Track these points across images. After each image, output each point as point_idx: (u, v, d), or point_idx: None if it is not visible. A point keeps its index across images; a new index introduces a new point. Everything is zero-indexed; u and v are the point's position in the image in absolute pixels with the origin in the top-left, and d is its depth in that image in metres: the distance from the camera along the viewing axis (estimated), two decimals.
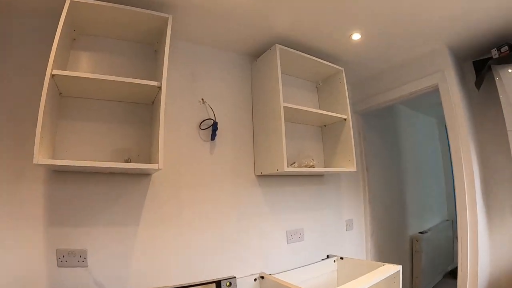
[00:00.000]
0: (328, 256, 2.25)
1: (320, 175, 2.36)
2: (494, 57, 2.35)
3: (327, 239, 2.33)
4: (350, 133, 2.19)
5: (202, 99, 1.76)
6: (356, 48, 2.29)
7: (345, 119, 2.22)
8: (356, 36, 2.09)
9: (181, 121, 1.67)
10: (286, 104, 1.78)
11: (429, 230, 4.05)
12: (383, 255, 3.03)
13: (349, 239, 2.57)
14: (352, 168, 2.14)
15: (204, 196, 1.68)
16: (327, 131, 2.39)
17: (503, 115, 2.42)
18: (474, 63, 2.57)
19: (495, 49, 2.34)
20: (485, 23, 2.12)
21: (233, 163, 1.85)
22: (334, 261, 2.18)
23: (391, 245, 3.30)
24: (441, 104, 2.46)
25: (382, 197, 3.22)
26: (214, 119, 1.74)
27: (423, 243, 3.71)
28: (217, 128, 1.72)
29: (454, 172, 2.40)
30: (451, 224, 5.06)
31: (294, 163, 2.02)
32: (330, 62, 2.22)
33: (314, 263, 2.06)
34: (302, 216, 2.17)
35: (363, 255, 2.72)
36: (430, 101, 4.01)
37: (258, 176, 1.95)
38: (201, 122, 1.73)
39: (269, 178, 1.99)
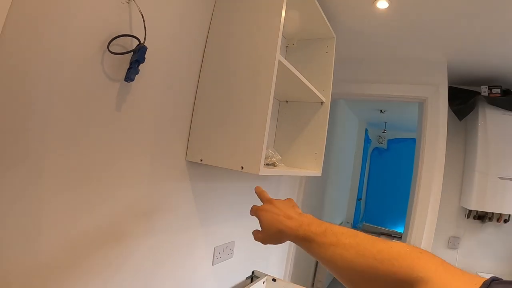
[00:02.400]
0: (253, 273, 1.69)
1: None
2: (482, 94, 2.38)
3: (255, 252, 1.75)
4: (325, 123, 1.59)
5: None
6: (371, 16, 1.76)
7: (321, 103, 1.62)
8: (382, 4, 1.60)
9: (67, 28, 0.71)
10: (283, 60, 1.05)
11: None
12: (299, 268, 2.68)
13: (275, 250, 2.06)
14: (317, 171, 1.57)
15: (95, 194, 0.81)
16: (288, 110, 1.74)
17: (471, 152, 2.56)
18: (453, 89, 2.48)
19: (486, 87, 2.38)
20: (486, 58, 2.11)
21: (156, 133, 0.99)
22: (264, 282, 1.61)
23: (306, 255, 2.94)
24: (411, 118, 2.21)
25: (310, 198, 2.82)
26: (141, 40, 0.84)
27: None
28: (144, 59, 0.82)
29: (417, 191, 2.25)
30: (350, 227, 5.15)
31: None
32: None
33: None
34: (235, 225, 1.51)
35: (283, 266, 2.25)
36: (361, 102, 3.92)
37: (192, 163, 1.14)
38: (113, 40, 0.79)
39: (204, 168, 1.21)
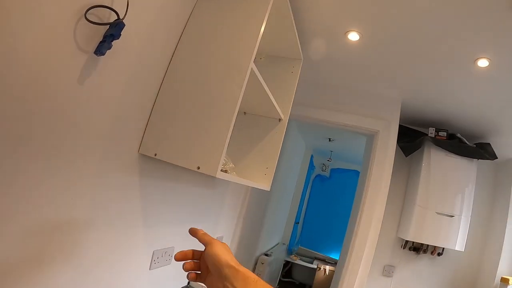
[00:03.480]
0: (188, 283, 1.64)
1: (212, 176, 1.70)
2: (429, 135, 2.63)
3: None
4: (280, 140, 1.63)
5: None
6: (340, 46, 1.89)
7: (279, 120, 1.66)
8: (353, 36, 1.72)
9: None
10: (255, 69, 1.06)
11: (272, 252, 3.94)
12: None
13: None
14: (266, 185, 1.59)
15: (36, 168, 0.71)
16: (245, 122, 1.75)
17: (413, 187, 2.80)
18: (403, 127, 2.69)
19: (434, 129, 2.65)
20: (438, 104, 2.36)
21: (113, 117, 0.93)
22: None
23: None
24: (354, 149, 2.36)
25: (252, 213, 2.83)
26: (120, 16, 0.80)
27: (266, 266, 3.52)
28: (119, 35, 0.78)
29: (358, 220, 2.33)
30: (285, 248, 5.24)
31: None
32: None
33: None
34: (176, 230, 1.45)
35: None
36: (311, 128, 4.10)
37: (144, 156, 1.08)
38: (91, 8, 0.75)
39: (156, 164, 1.16)
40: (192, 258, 0.64)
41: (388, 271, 2.89)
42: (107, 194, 0.97)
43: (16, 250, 0.71)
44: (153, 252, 1.30)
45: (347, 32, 1.71)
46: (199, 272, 0.63)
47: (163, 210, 1.30)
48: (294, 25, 1.48)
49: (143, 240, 1.21)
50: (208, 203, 1.73)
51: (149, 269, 1.29)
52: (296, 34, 1.54)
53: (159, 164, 1.17)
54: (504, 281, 2.49)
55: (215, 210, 1.87)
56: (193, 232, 0.65)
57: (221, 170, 1.29)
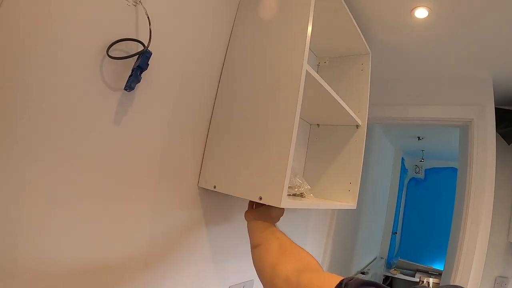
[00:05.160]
0: None
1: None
2: None
3: None
4: (361, 149, 1.40)
5: None
6: (409, 28, 1.58)
7: (357, 126, 1.43)
8: (421, 13, 1.41)
9: (64, 30, 0.60)
10: (311, 71, 0.89)
11: (369, 269, 3.59)
12: None
13: None
14: (352, 203, 1.36)
15: (86, 215, 0.66)
16: (320, 135, 1.57)
17: None
18: (499, 110, 2.20)
19: None
20: None
21: (162, 153, 0.84)
22: None
23: None
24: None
25: (342, 230, 2.58)
26: (146, 45, 0.72)
27: None
28: (147, 65, 0.70)
29: (463, 226, 1.96)
30: (384, 262, 4.79)
31: None
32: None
33: None
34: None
35: None
36: (397, 129, 3.69)
37: (204, 190, 0.98)
38: (114, 44, 0.68)
39: (218, 196, 1.05)
40: None
41: (500, 283, 2.35)
42: (171, 232, 0.88)
43: None
44: (229, 287, 1.17)
45: (413, 9, 1.42)
46: None
47: (234, 242, 1.18)
48: (351, 15, 1.26)
49: (216, 276, 1.10)
50: (289, 227, 1.56)
51: None
52: (356, 25, 1.32)
53: (221, 196, 1.06)
54: None
55: (300, 233, 1.70)
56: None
57: (296, 194, 1.13)
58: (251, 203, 0.92)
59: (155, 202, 0.83)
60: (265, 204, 0.80)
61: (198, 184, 0.95)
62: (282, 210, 0.84)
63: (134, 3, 0.75)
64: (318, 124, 1.58)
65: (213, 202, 1.03)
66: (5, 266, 0.54)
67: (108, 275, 0.73)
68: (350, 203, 1.36)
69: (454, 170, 4.88)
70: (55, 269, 0.62)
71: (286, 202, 0.76)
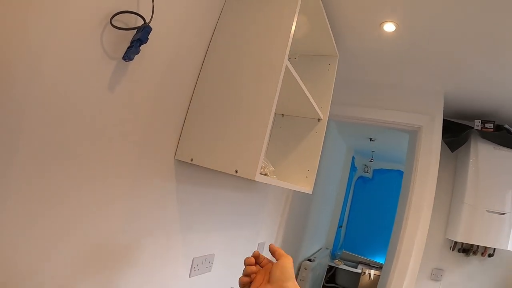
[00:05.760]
0: None
1: (252, 180, 1.65)
2: (475, 127, 2.43)
3: (236, 267, 1.66)
4: (320, 141, 1.55)
5: None
6: (377, 39, 1.78)
7: (319, 120, 1.58)
8: (389, 27, 1.62)
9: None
10: (290, 66, 1.00)
11: (315, 258, 3.83)
12: None
13: None
14: (308, 188, 1.51)
15: (74, 175, 0.71)
16: (283, 124, 1.69)
17: (461, 184, 2.57)
18: (446, 121, 2.51)
19: (480, 121, 2.44)
20: (482, 94, 2.17)
21: (147, 123, 0.91)
22: None
23: None
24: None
25: (293, 217, 2.75)
26: (147, 20, 0.79)
27: (309, 271, 3.41)
28: (147, 39, 0.76)
29: (405, 222, 2.21)
30: (329, 252, 5.10)
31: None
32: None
33: None
34: (216, 236, 1.42)
35: None
36: (351, 128, 3.95)
37: (181, 162, 1.06)
38: (117, 14, 0.73)
39: (193, 169, 1.14)
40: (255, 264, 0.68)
41: (436, 274, 2.69)
42: (144, 201, 0.95)
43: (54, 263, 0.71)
44: (193, 259, 1.27)
45: (382, 23, 1.60)
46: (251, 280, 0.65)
47: (202, 217, 1.27)
48: (327, 20, 1.40)
49: (182, 248, 1.18)
50: (248, 209, 1.68)
51: (189, 277, 1.26)
52: (330, 29, 1.47)
53: (196, 169, 1.15)
54: None
55: (256, 215, 1.82)
56: (272, 248, 0.68)
57: (261, 173, 1.24)
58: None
59: (136, 168, 0.90)
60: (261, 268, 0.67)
61: (175, 157, 1.03)
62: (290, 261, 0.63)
63: None
64: (282, 114, 1.71)
65: (187, 175, 1.12)
66: None
67: (91, 243, 0.79)
68: (307, 188, 1.50)
69: (400, 173, 5.30)
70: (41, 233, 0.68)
71: (259, 177, 0.87)
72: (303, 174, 1.54)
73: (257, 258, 0.68)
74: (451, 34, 1.54)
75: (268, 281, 0.60)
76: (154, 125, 0.94)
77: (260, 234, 1.95)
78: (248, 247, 1.79)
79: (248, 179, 1.54)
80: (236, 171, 0.89)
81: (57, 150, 0.67)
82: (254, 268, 0.66)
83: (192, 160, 0.99)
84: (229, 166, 0.91)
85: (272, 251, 0.67)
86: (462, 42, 1.59)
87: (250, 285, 0.64)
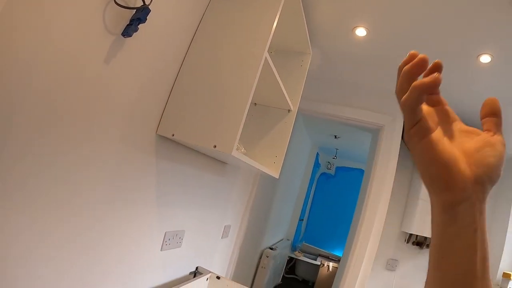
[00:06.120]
0: (197, 269, 1.68)
1: (223, 162, 1.76)
2: None
3: (202, 247, 1.75)
4: (289, 130, 1.67)
5: None
6: (348, 42, 1.93)
7: (289, 111, 1.70)
8: (361, 32, 1.76)
9: None
10: (269, 58, 1.11)
11: (276, 247, 3.98)
12: (240, 269, 2.69)
13: (220, 248, 2.07)
14: (275, 173, 1.63)
15: (61, 139, 0.76)
16: (255, 112, 1.80)
17: (417, 181, 2.86)
18: None
19: None
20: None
21: (135, 98, 0.97)
22: (207, 279, 1.61)
23: (247, 259, 2.98)
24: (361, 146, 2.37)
25: (258, 205, 2.88)
26: (147, 2, 0.85)
27: (271, 259, 3.56)
28: (145, 19, 0.85)
29: (363, 214, 2.37)
30: (290, 244, 5.27)
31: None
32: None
33: (184, 284, 1.41)
34: (187, 214, 1.50)
35: (225, 267, 2.26)
36: (318, 124, 4.13)
37: (162, 137, 1.13)
38: None
39: (172, 146, 1.22)
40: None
41: (391, 265, 2.93)
42: (125, 172, 1.02)
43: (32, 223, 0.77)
44: (165, 233, 1.34)
45: (354, 27, 1.75)
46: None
47: (176, 192, 1.35)
48: (305, 20, 1.52)
49: (156, 220, 1.26)
50: (218, 191, 1.77)
51: (160, 250, 1.34)
52: (306, 29, 1.59)
53: (176, 146, 1.22)
54: (506, 276, 2.51)
55: (224, 198, 1.92)
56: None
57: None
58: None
59: (119, 140, 0.97)
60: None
61: (157, 132, 1.10)
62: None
63: None
64: (255, 103, 1.81)
65: (167, 152, 1.19)
66: None
67: (75, 206, 0.85)
68: (274, 172, 1.62)
69: (362, 172, 5.55)
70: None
71: (235, 153, 0.97)
72: (272, 159, 1.65)
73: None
74: (415, 42, 1.72)
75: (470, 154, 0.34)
76: (141, 100, 1.01)
77: (226, 216, 2.05)
78: (215, 227, 1.88)
79: (220, 162, 1.64)
80: (215, 146, 0.98)
81: (48, 114, 0.73)
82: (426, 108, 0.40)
83: (173, 135, 1.07)
84: (208, 141, 1.00)
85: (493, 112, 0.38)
86: (424, 50, 1.75)
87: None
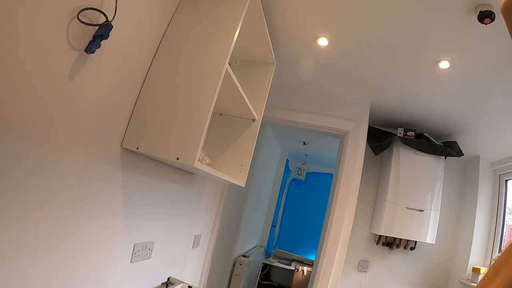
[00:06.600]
0: (169, 280, 1.69)
1: (190, 173, 1.79)
2: (398, 134, 2.82)
3: (173, 257, 1.76)
4: (253, 139, 1.73)
5: None
6: (311, 51, 2.03)
7: (253, 120, 1.76)
8: (323, 42, 1.85)
9: None
10: (230, 70, 1.17)
11: (249, 254, 4.01)
12: (214, 278, 2.70)
13: (191, 257, 2.08)
14: (241, 181, 1.68)
15: (20, 155, 0.76)
16: (220, 122, 1.85)
17: (384, 184, 2.95)
18: (372, 128, 2.87)
19: (403, 129, 2.84)
20: (405, 105, 2.53)
21: (99, 112, 1.00)
22: None
23: (220, 267, 2.99)
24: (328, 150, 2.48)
25: (229, 213, 2.91)
26: (109, 18, 0.89)
27: (244, 267, 3.58)
28: (108, 35, 0.88)
29: (331, 218, 2.43)
30: (263, 250, 5.31)
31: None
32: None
33: None
34: (156, 225, 1.52)
35: (198, 277, 2.26)
36: (286, 131, 4.24)
37: (127, 150, 1.16)
38: (83, 10, 0.84)
39: (137, 158, 1.24)
40: None
41: (363, 266, 3.03)
42: (91, 185, 1.03)
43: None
44: (134, 245, 1.35)
45: (316, 37, 1.85)
46: None
47: (144, 204, 1.37)
48: (267, 30, 1.60)
49: (124, 233, 1.27)
50: (186, 201, 1.80)
51: (130, 262, 1.35)
52: (269, 39, 1.67)
53: (141, 159, 1.25)
54: (476, 270, 2.66)
55: (193, 208, 1.94)
56: None
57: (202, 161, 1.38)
58: None
59: (84, 154, 0.98)
60: None
61: (121, 145, 1.13)
62: None
63: None
64: (220, 113, 1.86)
65: (133, 164, 1.21)
66: None
67: (40, 220, 0.86)
68: (240, 181, 1.67)
69: (331, 176, 5.66)
70: None
71: (197, 164, 1.02)
72: (237, 168, 1.70)
73: None
74: (376, 50, 1.84)
75: None
76: (105, 114, 1.03)
77: (196, 226, 2.07)
78: (185, 237, 1.90)
79: (187, 172, 1.67)
80: (178, 158, 1.02)
81: (11, 131, 0.74)
82: None
83: (137, 148, 1.10)
84: (171, 153, 1.04)
85: None
86: (385, 58, 1.88)
87: None
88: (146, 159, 1.29)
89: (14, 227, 0.79)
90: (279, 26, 1.81)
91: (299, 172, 6.75)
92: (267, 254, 5.69)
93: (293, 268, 5.11)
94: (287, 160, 6.12)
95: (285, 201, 6.60)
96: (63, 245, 0.96)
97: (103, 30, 0.85)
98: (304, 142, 4.72)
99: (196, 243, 2.12)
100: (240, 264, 3.59)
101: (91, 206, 1.06)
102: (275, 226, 6.10)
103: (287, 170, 6.23)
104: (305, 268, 5.01)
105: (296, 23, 1.76)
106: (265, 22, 1.55)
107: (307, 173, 6.75)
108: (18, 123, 0.75)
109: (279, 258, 5.76)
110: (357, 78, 2.26)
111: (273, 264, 5.34)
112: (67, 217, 0.96)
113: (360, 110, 2.59)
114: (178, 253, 1.83)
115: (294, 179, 6.75)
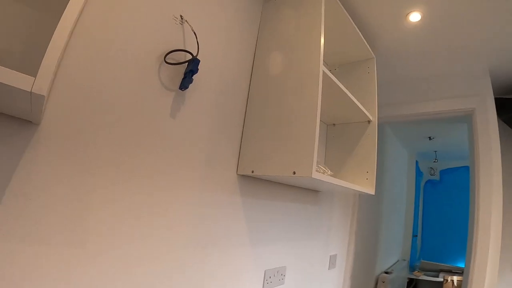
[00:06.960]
0: None
1: (315, 191, 1.68)
2: None
3: (309, 281, 1.66)
4: (374, 141, 1.55)
5: (180, 16, 0.94)
6: (405, 34, 1.77)
7: (369, 122, 1.59)
8: (415, 17, 1.59)
9: (130, 41, 0.80)
10: (327, 71, 1.07)
11: (392, 270, 3.62)
12: None
13: (329, 279, 1.94)
14: (371, 189, 1.50)
15: (144, 203, 0.82)
16: (335, 133, 1.72)
17: None
18: (499, 99, 2.31)
19: None
20: None
21: (208, 143, 1.02)
22: None
23: (361, 286, 2.75)
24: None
25: (364, 229, 2.68)
26: (194, 54, 0.91)
27: (388, 284, 3.24)
28: (197, 69, 0.89)
29: (476, 221, 2.04)
30: (407, 264, 4.80)
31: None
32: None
33: None
34: (286, 249, 1.46)
35: None
36: (408, 130, 3.79)
37: (242, 176, 1.15)
38: (169, 53, 0.87)
39: (255, 183, 1.22)
40: None
41: None
42: (212, 216, 1.04)
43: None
44: (265, 271, 1.31)
45: (407, 14, 1.60)
46: None
47: (269, 229, 1.32)
48: (355, 25, 1.45)
49: (252, 260, 1.24)
50: (315, 220, 1.70)
51: None
52: (359, 32, 1.51)
53: (258, 183, 1.22)
54: None
55: (324, 226, 1.83)
56: None
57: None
58: None
59: (202, 187, 1.00)
60: None
61: (237, 172, 1.11)
62: None
63: (180, 22, 0.95)
64: (334, 124, 1.74)
65: (251, 189, 1.20)
66: None
67: (168, 248, 0.89)
68: (369, 189, 1.49)
69: (468, 168, 4.89)
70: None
71: (316, 174, 0.92)
72: (363, 176, 1.54)
73: None
74: (485, 6, 1.48)
75: None
76: (215, 146, 1.04)
77: (330, 246, 1.94)
78: (319, 259, 1.79)
79: (312, 190, 1.58)
80: (294, 172, 0.94)
81: (136, 169, 0.79)
82: None
83: (253, 171, 1.07)
84: (287, 169, 0.97)
85: None
86: (498, 12, 1.51)
87: None
88: (264, 182, 1.25)
89: (147, 269, 0.81)
90: (364, 15, 1.62)
91: (432, 172, 5.96)
92: (412, 268, 5.10)
93: (442, 280, 4.50)
94: (416, 162, 5.49)
95: (423, 207, 5.88)
96: (196, 274, 0.97)
97: (192, 65, 0.87)
98: (429, 137, 4.17)
99: (332, 264, 1.98)
100: (383, 282, 3.25)
101: (214, 237, 1.06)
102: (416, 236, 5.45)
103: (418, 173, 5.59)
104: (455, 278, 4.32)
105: (382, 4, 1.55)
106: (349, 16, 1.41)
107: (441, 171, 5.92)
108: (132, 162, 0.79)
109: (424, 270, 5.10)
110: (465, 47, 1.86)
111: (419, 278, 4.75)
112: (186, 249, 0.96)
113: (480, 82, 2.13)
114: (313, 276, 1.72)
115: (428, 181, 5.99)
